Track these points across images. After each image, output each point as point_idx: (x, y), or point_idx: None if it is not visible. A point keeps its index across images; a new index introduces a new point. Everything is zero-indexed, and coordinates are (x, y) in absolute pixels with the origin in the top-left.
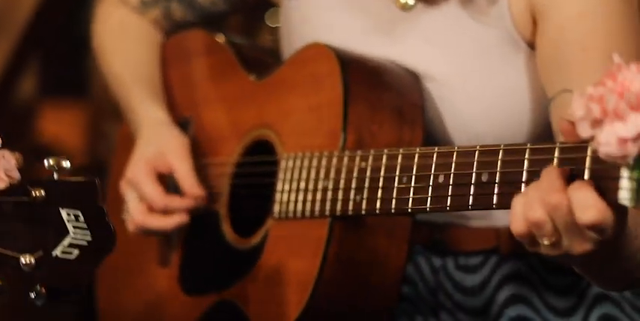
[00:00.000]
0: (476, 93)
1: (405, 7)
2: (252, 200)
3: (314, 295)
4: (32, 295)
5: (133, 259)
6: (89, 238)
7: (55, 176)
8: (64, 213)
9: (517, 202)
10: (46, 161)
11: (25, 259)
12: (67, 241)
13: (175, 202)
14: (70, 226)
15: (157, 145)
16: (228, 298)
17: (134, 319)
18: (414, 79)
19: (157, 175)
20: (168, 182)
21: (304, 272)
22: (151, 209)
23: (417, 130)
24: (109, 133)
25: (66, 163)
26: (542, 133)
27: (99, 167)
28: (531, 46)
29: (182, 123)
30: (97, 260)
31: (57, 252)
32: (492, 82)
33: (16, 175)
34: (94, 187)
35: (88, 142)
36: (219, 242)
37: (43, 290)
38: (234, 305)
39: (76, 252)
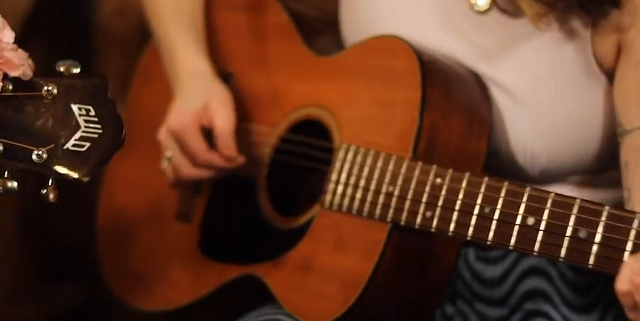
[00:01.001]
0: (542, 112)
1: (478, 10)
2: (292, 178)
3: (362, 296)
4: (43, 192)
5: (146, 207)
6: (100, 131)
7: None
8: (75, 108)
9: (628, 262)
10: (57, 66)
11: (38, 152)
12: (78, 134)
13: (217, 159)
14: (81, 120)
15: (202, 97)
16: (255, 274)
17: (143, 268)
18: (483, 89)
19: (201, 129)
20: (207, 137)
21: (354, 272)
22: (194, 163)
23: (483, 142)
24: None
25: (76, 69)
26: (600, 164)
27: None
28: (608, 75)
29: (223, 77)
30: (107, 153)
31: (68, 145)
32: (561, 105)
33: (29, 71)
34: (105, 82)
35: None
36: (253, 214)
37: (54, 187)
38: (262, 282)
39: (87, 145)
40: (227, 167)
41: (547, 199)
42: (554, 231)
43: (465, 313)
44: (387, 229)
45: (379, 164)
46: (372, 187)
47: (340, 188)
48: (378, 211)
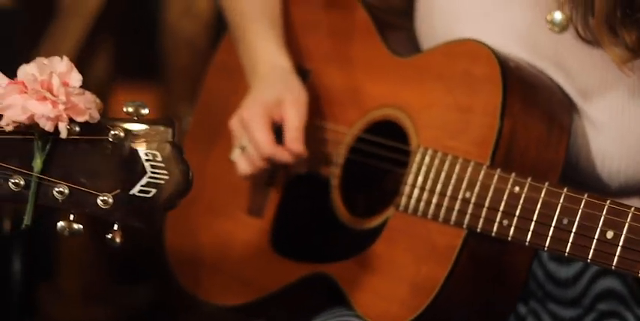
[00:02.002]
0: (621, 134)
1: (556, 29)
2: (367, 178)
3: (435, 302)
4: (108, 236)
5: (218, 201)
6: (166, 177)
7: None
8: (142, 153)
9: None
10: (125, 107)
11: (104, 197)
12: (144, 180)
13: (281, 153)
14: (147, 166)
15: (276, 91)
16: (327, 273)
17: (213, 263)
18: (566, 98)
19: (270, 122)
20: (277, 132)
21: (428, 278)
22: (258, 155)
23: (561, 151)
24: (182, 116)
25: (145, 110)
26: None
27: None
28: None
29: (301, 73)
30: (173, 199)
31: (134, 191)
32: (638, 125)
33: (96, 114)
34: (173, 127)
35: None
36: (327, 213)
37: (119, 231)
38: (334, 282)
39: (153, 191)
40: (291, 163)
41: (628, 212)
42: (633, 247)
43: (538, 313)
44: (463, 235)
45: (457, 170)
46: (449, 192)
47: (416, 192)
48: (454, 217)
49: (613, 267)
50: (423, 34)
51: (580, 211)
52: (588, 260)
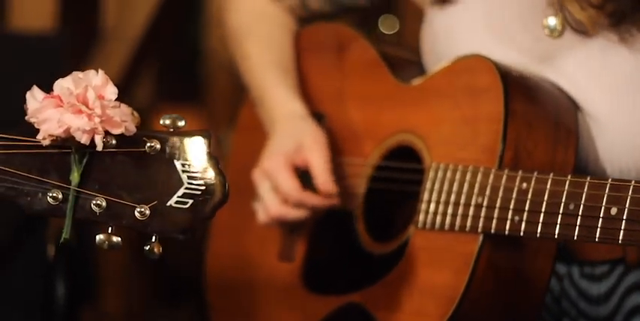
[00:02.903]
0: (624, 128)
1: (553, 34)
2: (388, 205)
3: (458, 310)
4: (146, 248)
5: (250, 251)
6: (203, 188)
7: None
8: (178, 164)
9: None
10: (162, 120)
11: (141, 209)
12: (181, 191)
13: (310, 197)
14: (184, 177)
15: (295, 138)
16: (356, 301)
17: (250, 311)
18: (570, 102)
19: (294, 169)
20: (302, 177)
21: (449, 286)
22: (285, 202)
23: (570, 152)
24: (223, 140)
25: (181, 122)
26: None
27: None
28: None
29: (316, 117)
30: (210, 210)
31: (171, 202)
32: None
33: (132, 127)
34: (209, 138)
35: None
36: (351, 243)
37: (158, 243)
38: (362, 309)
39: (190, 202)
40: (322, 205)
41: (628, 186)
42: (637, 218)
43: None
44: (479, 240)
45: (468, 178)
46: (462, 200)
47: (432, 206)
48: (468, 223)
49: (620, 241)
50: (428, 57)
51: (584, 193)
52: (596, 239)
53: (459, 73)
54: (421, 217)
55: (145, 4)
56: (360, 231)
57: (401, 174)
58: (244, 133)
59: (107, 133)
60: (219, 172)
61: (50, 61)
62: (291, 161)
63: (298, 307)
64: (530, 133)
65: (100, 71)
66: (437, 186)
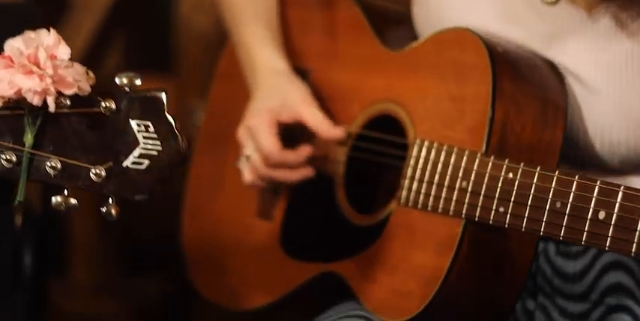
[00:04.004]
0: (619, 102)
1: (548, 1)
2: (370, 175)
3: (440, 292)
4: (103, 210)
5: (229, 206)
6: (159, 148)
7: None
8: (134, 124)
9: None
10: (117, 78)
11: (96, 170)
12: (137, 151)
13: (290, 158)
14: (140, 137)
15: (280, 94)
16: (335, 271)
17: (225, 266)
18: (559, 78)
19: (277, 126)
20: (287, 135)
21: (430, 267)
22: (266, 162)
23: (558, 132)
24: (194, 110)
25: (138, 81)
26: None
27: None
28: None
29: (300, 73)
30: (167, 170)
31: (127, 163)
32: (637, 93)
33: (86, 86)
34: (166, 96)
35: None
36: (332, 211)
37: (115, 205)
38: (341, 279)
39: (146, 162)
40: (301, 165)
41: (617, 191)
42: (625, 225)
43: (546, 308)
44: (462, 224)
45: (452, 160)
46: (446, 183)
47: (415, 185)
48: (452, 207)
49: (607, 248)
50: (419, 22)
51: (572, 193)
52: (582, 242)
53: (446, 47)
54: (404, 193)
55: None
56: (341, 199)
57: (383, 146)
58: (224, 82)
59: (60, 94)
60: (176, 131)
61: (19, 30)
62: (277, 117)
63: (276, 270)
64: (517, 115)
65: (52, 30)
66: (421, 164)
